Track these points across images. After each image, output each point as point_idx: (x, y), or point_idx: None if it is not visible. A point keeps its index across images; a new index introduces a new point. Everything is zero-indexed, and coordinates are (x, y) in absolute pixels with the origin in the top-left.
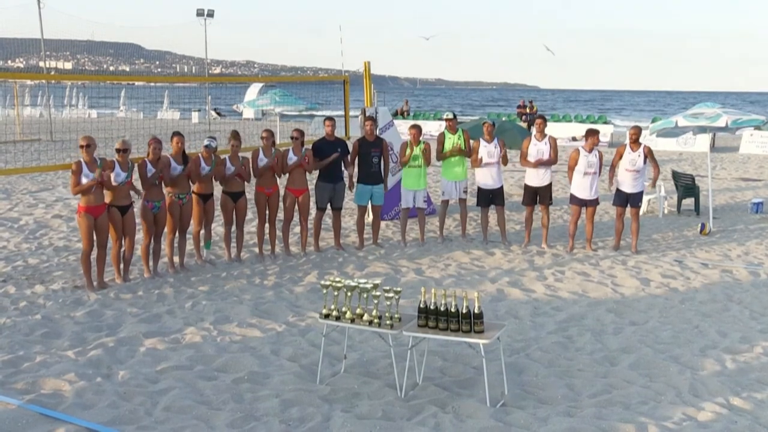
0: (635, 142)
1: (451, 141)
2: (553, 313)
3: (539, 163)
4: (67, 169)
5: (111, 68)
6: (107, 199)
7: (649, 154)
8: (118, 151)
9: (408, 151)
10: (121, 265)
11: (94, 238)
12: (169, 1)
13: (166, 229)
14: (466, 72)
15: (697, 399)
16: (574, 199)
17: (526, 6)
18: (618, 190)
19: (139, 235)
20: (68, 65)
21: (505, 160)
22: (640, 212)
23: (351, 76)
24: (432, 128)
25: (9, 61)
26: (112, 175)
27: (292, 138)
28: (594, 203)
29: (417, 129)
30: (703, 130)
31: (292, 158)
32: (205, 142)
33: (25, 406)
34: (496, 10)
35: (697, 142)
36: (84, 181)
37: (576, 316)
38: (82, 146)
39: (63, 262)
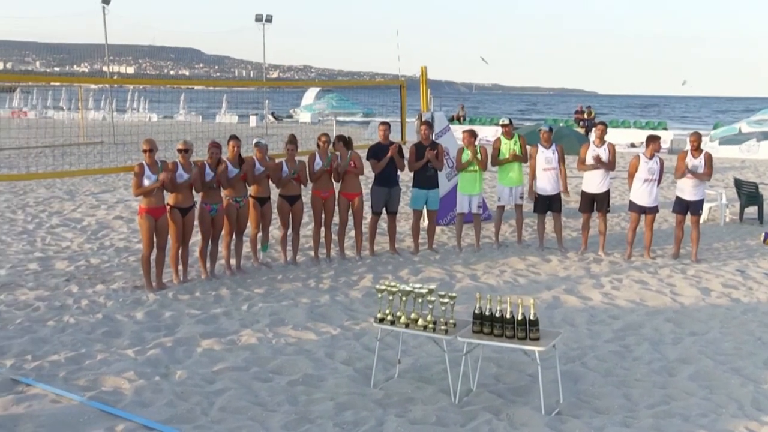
0: (696, 149)
1: (508, 146)
2: (610, 321)
3: (597, 161)
4: (128, 171)
5: (171, 72)
6: (170, 201)
7: (708, 161)
8: (180, 151)
9: (467, 157)
10: (180, 267)
11: (154, 239)
12: (228, 7)
13: (223, 232)
14: (523, 77)
15: (759, 413)
16: (633, 206)
17: (585, 10)
18: (678, 198)
19: (197, 238)
20: (130, 69)
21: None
22: (701, 220)
23: (407, 80)
24: (488, 133)
25: (75, 66)
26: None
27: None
28: (654, 210)
29: (470, 133)
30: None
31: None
32: (255, 141)
33: (87, 403)
34: (553, 14)
35: (761, 149)
36: (146, 183)
37: (633, 325)
38: (144, 150)
39: (123, 262)
